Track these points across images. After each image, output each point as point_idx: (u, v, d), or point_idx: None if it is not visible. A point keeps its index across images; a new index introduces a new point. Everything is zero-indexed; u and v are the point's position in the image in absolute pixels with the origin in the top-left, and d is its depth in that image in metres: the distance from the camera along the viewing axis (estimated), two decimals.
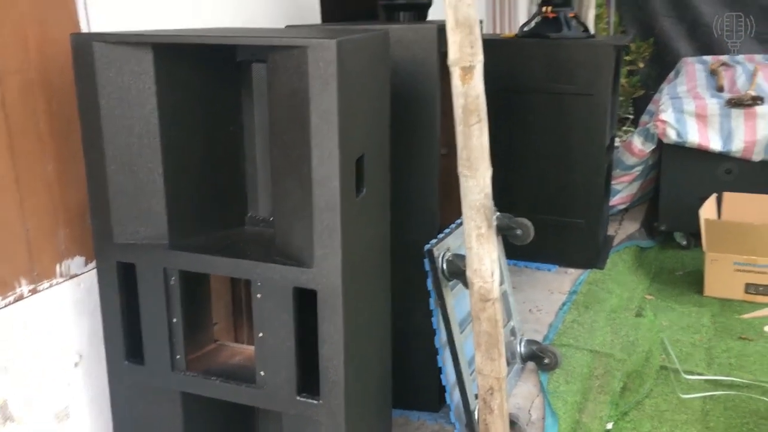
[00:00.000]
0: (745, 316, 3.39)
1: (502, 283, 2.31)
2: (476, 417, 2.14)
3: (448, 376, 2.25)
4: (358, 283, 1.66)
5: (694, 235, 4.05)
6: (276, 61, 1.53)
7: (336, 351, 1.59)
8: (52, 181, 1.73)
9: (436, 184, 2.25)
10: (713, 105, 3.97)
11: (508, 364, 2.41)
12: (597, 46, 3.43)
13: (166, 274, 1.69)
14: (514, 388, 2.51)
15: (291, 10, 2.68)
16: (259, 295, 1.63)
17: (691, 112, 3.97)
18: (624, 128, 6.28)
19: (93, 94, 1.60)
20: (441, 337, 2.23)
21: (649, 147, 4.11)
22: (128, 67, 1.59)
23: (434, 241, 2.18)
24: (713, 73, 4.55)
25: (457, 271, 2.14)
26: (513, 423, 2.17)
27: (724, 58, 4.88)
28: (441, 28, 1.93)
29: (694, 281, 3.80)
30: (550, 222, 3.52)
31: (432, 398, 2.39)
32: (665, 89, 4.56)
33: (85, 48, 1.58)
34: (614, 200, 4.36)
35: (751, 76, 4.30)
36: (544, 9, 3.55)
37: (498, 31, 5.59)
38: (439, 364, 2.25)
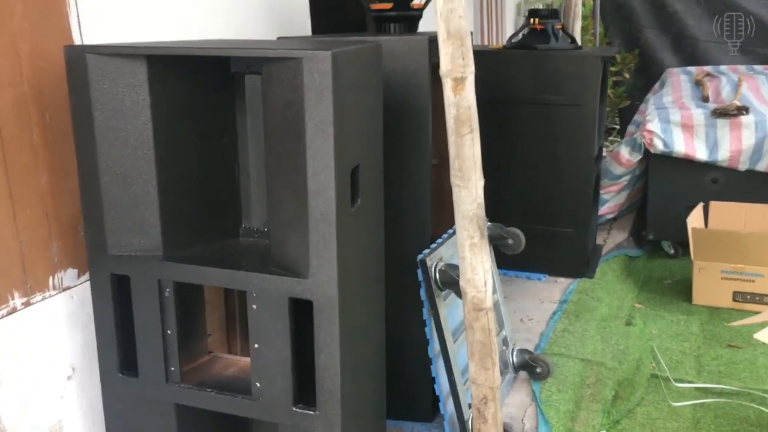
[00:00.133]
0: (734, 323, 3.42)
1: (494, 292, 2.32)
2: (470, 427, 2.14)
3: (442, 386, 2.25)
4: (353, 292, 1.67)
5: (682, 244, 4.07)
6: (271, 72, 1.54)
7: (332, 361, 1.59)
8: (45, 194, 1.72)
9: (427, 195, 2.26)
10: (699, 115, 4.00)
11: (501, 373, 2.41)
12: (584, 57, 3.47)
13: (160, 285, 1.68)
14: (506, 397, 2.52)
15: (281, 22, 2.69)
16: (254, 306, 1.62)
17: (677, 123, 4.01)
18: (610, 138, 6.33)
19: (87, 106, 1.60)
20: (434, 347, 2.23)
21: (636, 157, 4.14)
22: (122, 79, 1.60)
23: (427, 251, 2.19)
24: (698, 84, 4.60)
25: (450, 280, 2.15)
26: None
27: (708, 68, 4.94)
28: (432, 40, 1.95)
29: (682, 290, 3.81)
30: (540, 231, 3.54)
31: (426, 408, 2.39)
32: (651, 100, 4.61)
33: (79, 60, 1.58)
34: (602, 209, 4.38)
35: (736, 86, 4.35)
36: (531, 21, 3.59)
37: (486, 43, 5.63)
38: (433, 374, 2.25)
